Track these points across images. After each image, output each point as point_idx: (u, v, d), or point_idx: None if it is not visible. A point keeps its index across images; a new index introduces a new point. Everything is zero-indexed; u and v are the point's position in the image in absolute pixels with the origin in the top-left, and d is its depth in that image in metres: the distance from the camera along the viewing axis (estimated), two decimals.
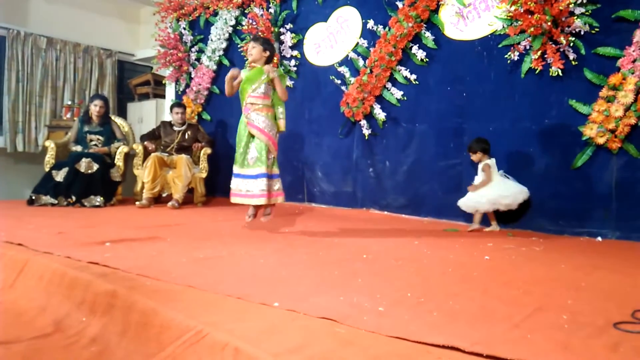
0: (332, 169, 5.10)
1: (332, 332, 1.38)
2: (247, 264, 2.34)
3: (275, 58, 3.45)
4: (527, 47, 3.73)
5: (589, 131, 3.44)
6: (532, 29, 3.57)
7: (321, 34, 5.19)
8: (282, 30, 5.40)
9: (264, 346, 1.27)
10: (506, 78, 3.90)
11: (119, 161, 5.27)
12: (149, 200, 4.99)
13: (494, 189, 3.58)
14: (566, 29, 3.53)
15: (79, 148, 5.14)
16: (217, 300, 1.70)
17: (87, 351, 1.68)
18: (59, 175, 4.84)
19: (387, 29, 4.54)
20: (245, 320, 1.48)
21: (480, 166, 3.70)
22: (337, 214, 4.66)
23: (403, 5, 4.41)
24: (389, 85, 4.59)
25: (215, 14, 6.07)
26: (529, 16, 3.57)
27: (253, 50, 3.37)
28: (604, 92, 3.38)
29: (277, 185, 3.41)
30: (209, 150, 5.40)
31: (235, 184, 3.38)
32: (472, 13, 4.12)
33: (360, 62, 4.76)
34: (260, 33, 5.29)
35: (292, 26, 5.38)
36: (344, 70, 4.87)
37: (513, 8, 3.67)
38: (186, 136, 5.43)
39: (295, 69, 5.38)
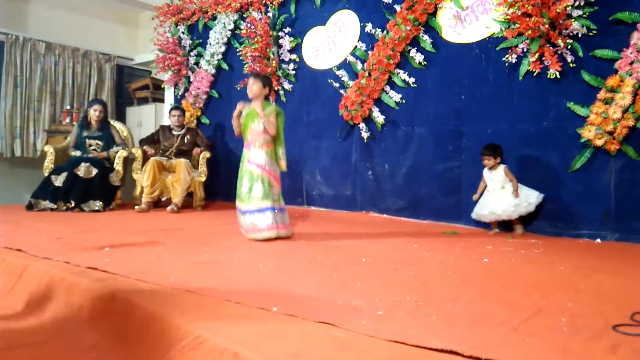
0: (331, 172, 5.11)
1: (330, 337, 1.38)
2: (246, 269, 2.34)
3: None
4: (525, 50, 3.74)
5: (587, 133, 3.44)
6: (529, 32, 3.58)
7: (320, 37, 5.20)
8: (280, 34, 5.41)
9: (263, 351, 1.27)
10: (504, 81, 3.91)
11: (118, 166, 5.27)
12: (148, 204, 4.99)
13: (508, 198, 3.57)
14: (564, 31, 3.54)
15: (78, 153, 5.14)
16: (216, 305, 1.70)
17: (86, 357, 1.67)
18: (58, 180, 4.84)
19: (385, 32, 4.55)
20: (243, 325, 1.48)
21: (500, 171, 3.62)
22: (336, 217, 4.66)
23: (401, 8, 4.42)
24: (387, 88, 4.60)
25: (214, 18, 6.08)
26: (527, 19, 3.58)
27: (254, 87, 3.34)
28: (601, 94, 3.39)
29: (286, 218, 3.36)
30: (208, 154, 5.40)
31: (242, 220, 3.29)
32: (469, 16, 4.13)
33: (359, 66, 4.77)
34: (259, 37, 5.30)
35: (290, 30, 5.40)
36: (342, 73, 4.88)
37: (511, 11, 3.67)
38: (185, 140, 5.43)
39: (293, 72, 5.39)
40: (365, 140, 4.76)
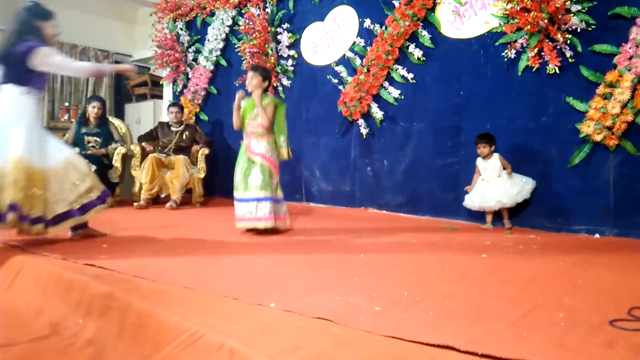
0: (330, 168, 5.10)
1: (327, 333, 1.38)
2: (244, 265, 2.34)
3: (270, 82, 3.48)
4: (524, 45, 3.72)
5: (586, 128, 3.43)
6: (528, 27, 3.57)
7: (318, 33, 5.18)
8: (279, 30, 5.39)
9: (259, 347, 1.27)
10: (503, 76, 3.90)
11: (116, 162, 5.26)
12: (147, 201, 4.99)
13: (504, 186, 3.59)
14: (563, 26, 3.52)
15: (76, 150, 5.13)
16: (214, 301, 1.70)
17: (84, 353, 1.68)
18: None
19: (383, 27, 4.54)
20: (241, 321, 1.48)
21: (495, 159, 3.63)
22: (335, 213, 4.66)
23: (399, 3, 4.40)
24: (386, 84, 4.58)
25: (212, 14, 6.06)
26: (526, 14, 3.57)
27: (253, 80, 3.34)
28: (600, 90, 3.38)
29: (284, 208, 3.39)
30: (206, 151, 5.39)
31: (239, 209, 3.29)
32: (468, 11, 4.12)
33: (358, 61, 4.75)
34: (257, 33, 5.28)
35: (289, 26, 5.38)
36: (341, 69, 4.87)
37: (509, 6, 3.66)
38: (184, 137, 5.42)
39: (292, 68, 5.38)
40: (364, 136, 4.75)
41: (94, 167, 4.91)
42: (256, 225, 3.22)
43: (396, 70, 4.50)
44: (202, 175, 5.32)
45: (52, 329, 1.88)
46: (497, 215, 3.73)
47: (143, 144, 5.36)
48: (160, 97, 7.00)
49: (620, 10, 3.35)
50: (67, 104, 6.51)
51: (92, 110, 5.26)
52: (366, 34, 4.72)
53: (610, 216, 3.42)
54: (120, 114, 7.33)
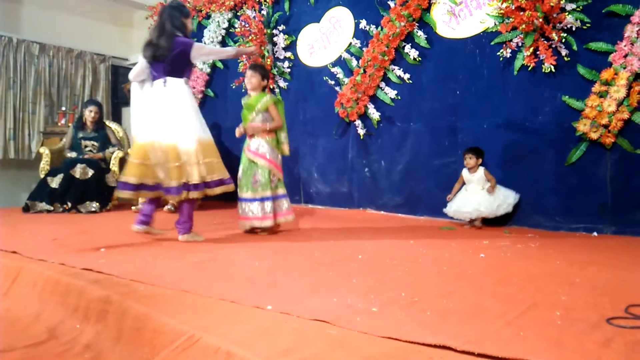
0: (328, 169, 5.10)
1: (324, 334, 1.38)
2: (241, 267, 2.34)
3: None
4: (519, 44, 3.73)
5: (583, 127, 3.44)
6: (523, 26, 3.58)
7: (314, 34, 5.18)
8: (274, 31, 5.40)
9: (256, 349, 1.27)
10: (499, 75, 3.91)
11: (114, 166, 5.26)
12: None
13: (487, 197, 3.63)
14: (558, 25, 3.53)
15: (73, 154, 5.13)
16: (211, 304, 1.70)
17: (81, 358, 1.67)
18: (54, 182, 4.83)
19: (379, 28, 4.54)
20: (237, 324, 1.48)
21: (480, 173, 3.68)
22: (333, 214, 4.66)
23: (395, 4, 4.41)
24: (382, 84, 4.59)
25: (208, 16, 6.06)
26: (521, 13, 3.58)
27: (252, 79, 3.40)
28: (596, 88, 3.39)
29: (286, 204, 3.44)
30: None
31: (241, 208, 3.39)
32: (463, 11, 4.13)
33: (354, 62, 4.76)
34: (253, 35, 5.29)
35: (284, 28, 5.38)
36: (337, 70, 4.87)
37: (504, 5, 3.67)
38: None
39: (288, 70, 5.38)
40: (361, 137, 4.76)
41: (91, 172, 4.92)
42: (258, 224, 3.31)
43: (392, 70, 4.50)
44: None
45: (50, 334, 1.88)
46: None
47: None
48: None
49: (614, 8, 3.36)
50: (64, 109, 6.49)
51: (89, 114, 5.26)
52: (362, 35, 4.72)
53: (608, 214, 3.42)
54: (117, 118, 7.32)
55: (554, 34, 3.50)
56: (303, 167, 5.30)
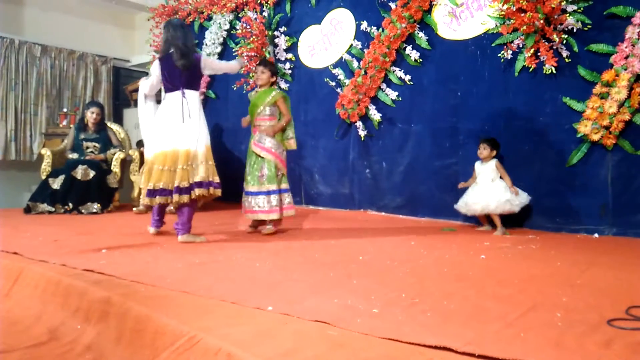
0: (329, 171, 5.10)
1: (324, 335, 1.38)
2: (243, 268, 2.34)
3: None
4: (520, 46, 3.73)
5: (584, 128, 3.44)
6: (524, 27, 3.58)
7: (315, 36, 5.19)
8: (276, 33, 5.40)
9: (256, 350, 1.27)
10: (500, 77, 3.91)
11: (115, 167, 5.26)
12: (147, 206, 4.97)
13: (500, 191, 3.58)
14: (559, 26, 3.53)
15: (75, 155, 5.14)
16: (212, 306, 1.70)
17: (82, 359, 1.68)
18: (56, 183, 4.84)
19: (380, 30, 4.55)
20: (238, 325, 1.48)
21: (492, 165, 3.61)
22: (334, 215, 4.66)
23: (396, 6, 4.42)
24: (383, 86, 4.59)
25: (210, 18, 6.07)
26: (522, 14, 3.58)
27: (263, 75, 3.49)
28: (597, 89, 3.39)
29: (288, 199, 3.50)
30: None
31: (248, 201, 3.46)
32: (464, 13, 4.13)
33: (355, 64, 4.76)
34: (254, 37, 5.29)
35: (286, 29, 5.39)
36: (338, 72, 4.88)
37: (505, 7, 3.67)
38: None
39: (290, 71, 5.39)
40: (362, 139, 4.76)
41: (92, 173, 4.92)
42: (265, 217, 3.40)
43: (393, 72, 4.51)
44: None
45: (51, 335, 1.88)
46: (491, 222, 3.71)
47: (142, 148, 5.36)
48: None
49: (615, 9, 3.36)
50: (65, 110, 6.50)
51: (91, 115, 5.26)
52: (363, 37, 4.73)
53: (609, 215, 3.42)
54: (119, 119, 7.32)
55: (555, 36, 3.50)
56: (304, 168, 5.30)
